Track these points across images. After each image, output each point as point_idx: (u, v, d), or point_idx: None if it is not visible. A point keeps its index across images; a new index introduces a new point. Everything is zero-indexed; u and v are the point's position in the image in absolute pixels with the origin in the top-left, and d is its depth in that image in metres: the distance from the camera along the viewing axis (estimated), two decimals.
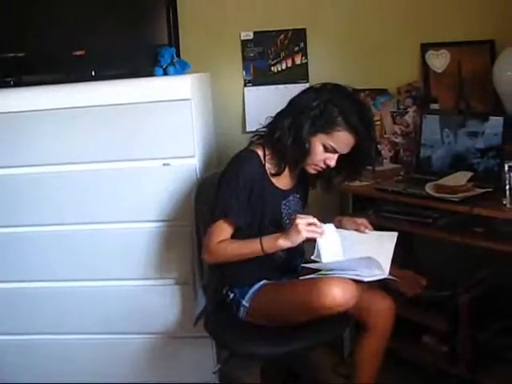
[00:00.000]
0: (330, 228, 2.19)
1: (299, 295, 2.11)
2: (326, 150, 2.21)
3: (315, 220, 2.13)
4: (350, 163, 2.29)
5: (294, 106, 2.24)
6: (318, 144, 2.20)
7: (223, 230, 2.20)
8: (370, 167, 2.47)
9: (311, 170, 2.30)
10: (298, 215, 2.14)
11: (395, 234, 2.30)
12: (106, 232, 2.69)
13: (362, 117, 2.18)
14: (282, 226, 2.28)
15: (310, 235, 2.11)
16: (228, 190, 2.20)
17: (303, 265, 2.21)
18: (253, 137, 2.37)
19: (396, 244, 2.25)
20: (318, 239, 2.14)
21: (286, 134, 2.20)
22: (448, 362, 2.57)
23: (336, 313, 2.06)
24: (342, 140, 2.19)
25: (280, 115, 2.27)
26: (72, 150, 2.61)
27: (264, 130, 2.32)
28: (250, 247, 2.17)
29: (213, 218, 2.21)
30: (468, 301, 2.49)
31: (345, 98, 2.19)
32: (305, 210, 2.47)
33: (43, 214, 2.68)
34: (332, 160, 2.23)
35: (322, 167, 2.27)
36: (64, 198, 2.65)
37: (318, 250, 2.15)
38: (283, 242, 2.12)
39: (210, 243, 2.20)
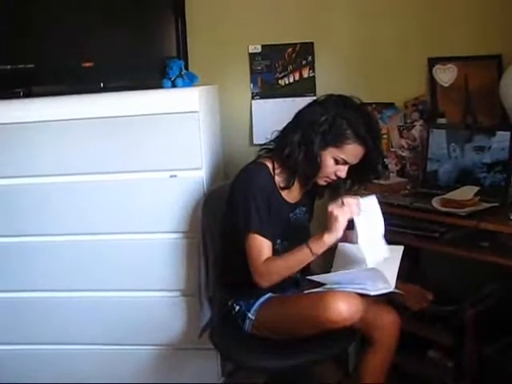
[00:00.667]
0: (369, 202, 2.15)
1: (305, 309, 2.11)
2: (337, 162, 2.21)
3: (347, 199, 2.09)
4: (358, 172, 2.28)
5: (302, 121, 2.24)
6: (328, 158, 2.20)
7: (261, 246, 2.16)
8: (376, 181, 2.48)
9: (322, 182, 2.30)
10: (330, 203, 2.10)
11: (401, 248, 2.30)
12: (111, 243, 2.69)
13: (370, 128, 2.19)
14: (291, 239, 2.29)
15: (347, 216, 2.07)
16: (246, 204, 2.17)
17: (308, 277, 2.20)
18: (260, 150, 2.37)
19: (402, 258, 2.25)
20: (354, 218, 2.09)
21: (297, 150, 2.20)
22: (453, 377, 2.56)
23: (341, 327, 2.05)
24: (352, 152, 2.20)
25: (288, 130, 2.27)
26: (80, 161, 2.62)
27: (271, 144, 2.33)
28: (300, 256, 2.12)
29: (241, 237, 2.17)
30: (474, 315, 2.48)
31: (352, 111, 2.20)
32: (311, 222, 2.47)
33: (49, 224, 2.69)
34: (343, 172, 2.24)
35: (332, 179, 2.27)
36: (70, 209, 2.66)
37: (356, 231, 2.11)
38: (328, 237, 2.07)
39: (257, 265, 2.15)
